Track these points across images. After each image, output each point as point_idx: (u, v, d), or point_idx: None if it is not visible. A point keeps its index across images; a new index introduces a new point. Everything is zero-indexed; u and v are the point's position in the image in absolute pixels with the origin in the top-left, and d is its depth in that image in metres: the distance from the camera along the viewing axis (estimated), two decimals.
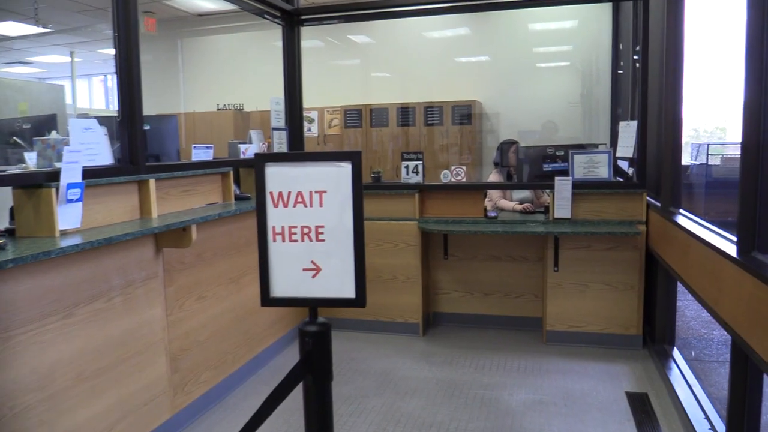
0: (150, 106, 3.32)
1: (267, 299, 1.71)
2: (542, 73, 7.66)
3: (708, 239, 2.73)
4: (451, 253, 4.79)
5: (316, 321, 1.77)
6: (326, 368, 1.75)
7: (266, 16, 4.61)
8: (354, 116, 7.49)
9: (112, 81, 14.51)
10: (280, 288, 1.67)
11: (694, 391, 3.33)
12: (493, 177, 5.23)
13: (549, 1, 5.52)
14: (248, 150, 4.20)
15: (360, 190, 1.61)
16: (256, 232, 1.67)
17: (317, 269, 1.65)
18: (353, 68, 8.28)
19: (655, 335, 4.08)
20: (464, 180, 4.62)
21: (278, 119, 4.67)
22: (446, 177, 4.62)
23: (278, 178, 1.60)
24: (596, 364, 4.01)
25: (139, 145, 3.05)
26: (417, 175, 4.64)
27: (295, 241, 1.62)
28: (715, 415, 3.04)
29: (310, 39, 8.15)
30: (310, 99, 7.20)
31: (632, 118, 4.87)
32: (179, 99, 8.34)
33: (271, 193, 1.61)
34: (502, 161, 5.22)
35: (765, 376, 2.36)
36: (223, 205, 3.72)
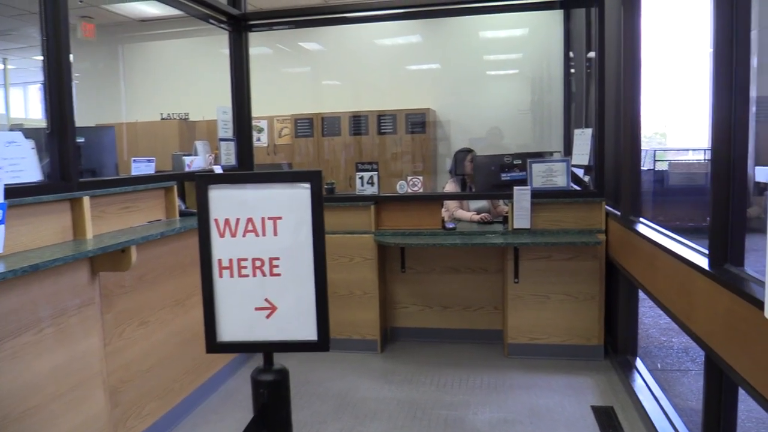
0: (87, 117, 3.06)
1: (213, 345, 1.50)
2: (492, 80, 7.64)
3: (676, 251, 2.66)
4: (408, 265, 4.64)
5: (271, 368, 1.55)
6: (284, 422, 1.53)
7: (211, 21, 4.37)
8: (305, 125, 7.28)
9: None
10: (228, 331, 1.46)
11: (660, 403, 3.26)
12: (449, 186, 5.12)
13: (500, 8, 5.43)
14: (193, 162, 3.96)
15: (321, 216, 1.42)
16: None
17: (272, 308, 1.43)
18: (304, 76, 8.08)
19: (617, 345, 4.03)
20: (421, 190, 4.49)
21: (226, 129, 4.43)
22: (403, 188, 4.48)
23: (224, 202, 1.39)
24: (560, 377, 3.92)
25: (72, 159, 2.79)
26: (372, 186, 4.48)
27: (246, 276, 1.40)
28: (683, 428, 2.98)
29: (259, 46, 7.91)
30: (259, 108, 6.97)
31: (586, 126, 4.85)
32: (120, 108, 7.95)
33: (216, 221, 1.40)
34: (457, 170, 5.12)
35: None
36: (166, 222, 3.47)
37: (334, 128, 7.22)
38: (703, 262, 2.37)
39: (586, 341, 4.21)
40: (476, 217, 4.71)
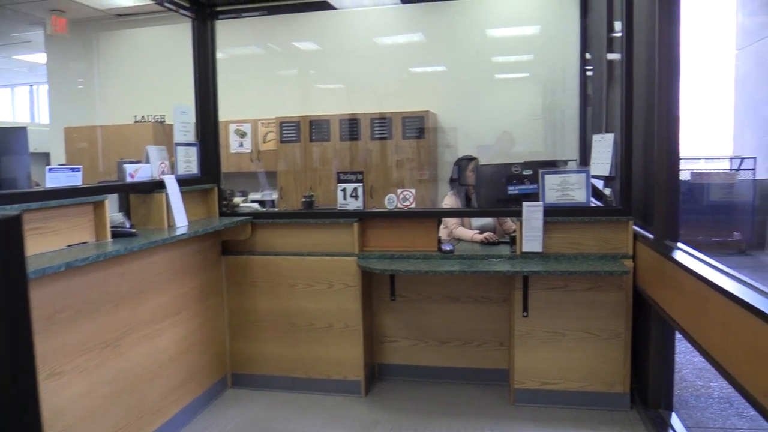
0: (57, 118, 2.41)
1: None
2: (502, 84, 6.98)
3: (746, 298, 1.96)
4: (399, 293, 3.96)
5: None
6: None
7: (167, 3, 3.73)
8: (291, 129, 6.60)
9: (38, 91, 13.36)
10: None
11: None
12: (449, 199, 4.45)
13: None
14: (138, 171, 3.30)
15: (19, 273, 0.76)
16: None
17: None
18: (292, 76, 7.42)
19: (648, 396, 3.33)
20: (413, 206, 3.81)
21: (185, 132, 3.79)
22: (392, 202, 3.81)
23: None
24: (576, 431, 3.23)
25: None
26: (356, 199, 3.82)
27: None
28: None
29: (248, 45, 7.30)
30: (243, 110, 6.34)
31: (607, 131, 4.17)
32: (94, 110, 7.33)
33: None
34: (460, 179, 4.45)
35: None
36: (94, 245, 2.82)
37: (323, 132, 6.55)
38: None
39: (609, 388, 3.51)
40: (478, 237, 4.04)
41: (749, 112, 9.53)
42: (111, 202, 3.06)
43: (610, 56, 4.59)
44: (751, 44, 9.45)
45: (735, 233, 8.30)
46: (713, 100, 10.58)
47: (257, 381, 3.96)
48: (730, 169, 8.67)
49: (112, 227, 2.97)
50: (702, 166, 9.02)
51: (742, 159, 8.45)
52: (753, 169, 8.36)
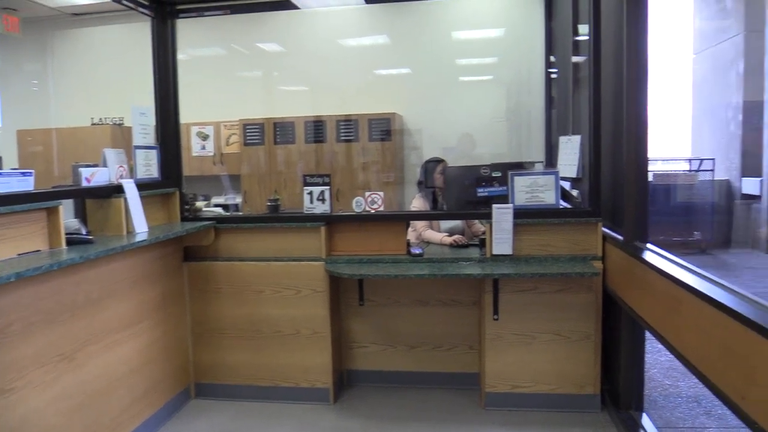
0: (8, 121, 2.26)
1: None
2: (466, 87, 6.98)
3: (718, 298, 1.95)
4: (367, 297, 3.89)
5: None
6: None
7: (125, 1, 3.59)
8: (255, 131, 6.47)
9: None
10: None
11: None
12: (417, 202, 4.40)
13: None
14: (95, 175, 3.16)
15: None
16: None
17: None
18: (256, 78, 7.29)
19: (619, 397, 3.32)
20: (382, 209, 3.75)
21: (145, 135, 3.65)
22: (360, 205, 3.74)
23: None
24: None
25: None
26: (323, 203, 3.73)
27: None
28: None
29: (211, 46, 7.14)
30: (206, 112, 6.19)
31: (573, 133, 4.18)
32: (48, 112, 7.06)
33: None
34: (427, 182, 4.40)
35: None
36: (47, 254, 2.67)
37: (287, 135, 6.43)
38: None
39: (579, 390, 3.50)
40: (447, 240, 3.99)
41: (707, 115, 9.75)
42: (66, 208, 2.92)
43: (576, 59, 4.62)
44: (708, 48, 9.67)
45: (696, 233, 8.47)
46: (671, 102, 10.80)
47: (222, 391, 3.84)
48: (690, 170, 8.84)
49: (67, 234, 2.83)
50: (660, 167, 9.17)
51: (702, 160, 8.63)
52: (712, 170, 8.54)
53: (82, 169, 3.10)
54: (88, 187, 3.12)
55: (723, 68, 9.15)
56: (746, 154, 8.61)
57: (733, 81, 8.89)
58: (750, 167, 8.53)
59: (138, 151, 3.57)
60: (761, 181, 8.16)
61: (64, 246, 2.77)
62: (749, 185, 8.52)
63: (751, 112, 8.52)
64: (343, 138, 6.39)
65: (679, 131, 10.66)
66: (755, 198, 8.36)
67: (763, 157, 8.06)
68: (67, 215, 3.06)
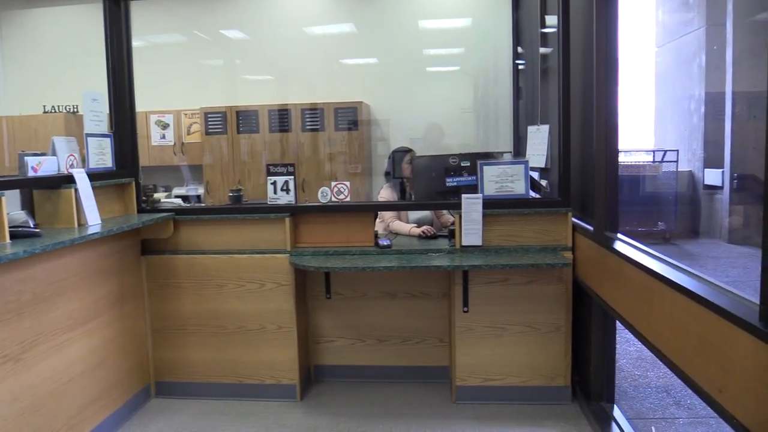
0: None
1: None
2: (433, 77, 6.90)
3: (693, 289, 1.90)
4: (334, 290, 3.78)
5: None
6: None
7: None
8: (217, 120, 6.27)
9: None
10: None
11: None
12: (385, 192, 4.30)
13: None
14: (42, 164, 2.98)
15: None
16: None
17: None
18: (218, 65, 7.07)
19: (590, 389, 3.29)
20: (348, 199, 3.64)
21: (98, 122, 3.46)
22: (326, 196, 3.62)
23: None
24: (520, 428, 3.16)
25: None
26: (288, 193, 3.61)
27: None
28: None
29: (172, 33, 6.90)
30: (166, 100, 5.98)
31: (542, 123, 4.13)
32: None
33: None
34: (395, 172, 4.31)
35: None
36: None
37: (251, 124, 6.25)
38: (749, 315, 1.61)
39: (550, 382, 3.46)
40: (416, 231, 3.91)
41: (670, 107, 9.86)
42: (11, 199, 2.73)
43: (543, 50, 4.56)
44: (671, 41, 9.77)
45: (660, 223, 8.57)
46: (634, 95, 10.91)
47: (184, 389, 3.69)
48: (653, 162, 8.93)
49: (11, 227, 2.65)
50: (622, 159, 9.23)
51: (665, 151, 8.72)
52: (675, 161, 8.64)
53: (28, 158, 2.92)
54: (35, 177, 2.94)
55: (686, 61, 9.26)
56: (709, 145, 8.74)
57: (695, 73, 9.01)
58: (712, 158, 8.66)
59: (90, 140, 3.38)
60: (722, 172, 8.29)
61: (8, 240, 2.59)
62: (711, 176, 8.65)
63: (713, 103, 8.65)
64: (308, 127, 6.25)
65: (643, 123, 10.80)
66: (717, 189, 8.50)
67: (725, 149, 8.18)
68: (13, 207, 2.88)
